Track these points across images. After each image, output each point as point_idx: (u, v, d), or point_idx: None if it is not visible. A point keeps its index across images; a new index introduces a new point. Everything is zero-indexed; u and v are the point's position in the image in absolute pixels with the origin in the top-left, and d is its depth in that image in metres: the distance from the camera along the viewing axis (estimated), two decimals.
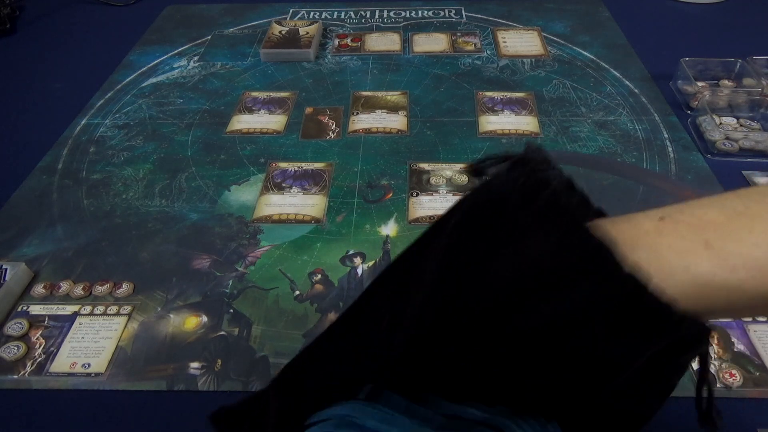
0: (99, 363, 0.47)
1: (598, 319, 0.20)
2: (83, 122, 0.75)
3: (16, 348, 0.47)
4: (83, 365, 0.46)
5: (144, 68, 0.86)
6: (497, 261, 0.21)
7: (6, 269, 0.52)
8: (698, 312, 0.20)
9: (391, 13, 1.00)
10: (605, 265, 0.20)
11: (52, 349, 0.48)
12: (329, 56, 0.89)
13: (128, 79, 0.84)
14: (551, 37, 0.91)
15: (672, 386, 0.24)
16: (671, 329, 0.20)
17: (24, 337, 0.48)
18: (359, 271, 0.54)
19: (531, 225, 0.21)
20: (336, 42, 0.92)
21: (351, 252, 0.56)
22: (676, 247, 0.21)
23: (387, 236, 0.57)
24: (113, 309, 0.51)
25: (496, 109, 0.75)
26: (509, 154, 0.24)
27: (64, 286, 0.53)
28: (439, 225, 0.26)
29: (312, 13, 1.01)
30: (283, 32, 0.92)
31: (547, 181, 0.22)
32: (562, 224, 0.21)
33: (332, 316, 0.50)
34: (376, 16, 1.00)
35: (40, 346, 0.48)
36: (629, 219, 0.23)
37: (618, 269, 0.19)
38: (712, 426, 0.24)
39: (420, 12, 1.01)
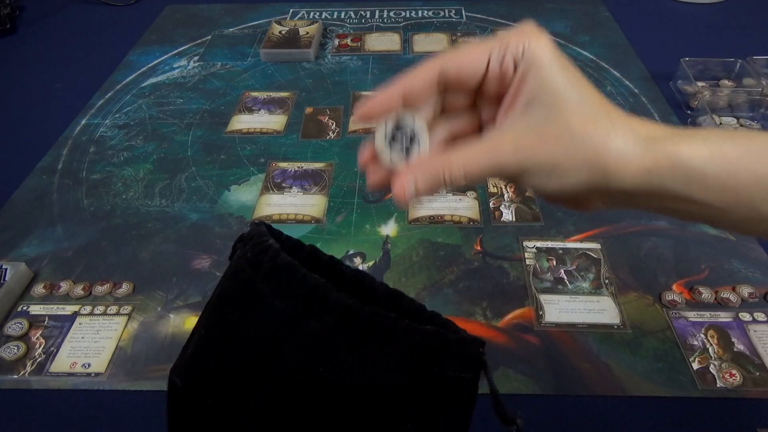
0: (99, 363, 0.47)
1: (339, 348, 0.25)
2: (83, 122, 0.75)
3: (16, 348, 0.47)
4: (83, 365, 0.46)
5: (144, 68, 0.86)
6: (244, 319, 0.27)
7: (6, 269, 0.52)
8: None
9: (391, 13, 1.00)
10: (323, 299, 0.25)
11: (52, 349, 0.48)
12: (329, 56, 0.88)
13: (128, 79, 0.84)
14: (551, 37, 0.91)
15: (463, 406, 0.28)
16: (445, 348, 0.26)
17: (24, 337, 0.48)
18: None
19: (262, 283, 0.26)
20: (336, 42, 0.92)
21: (351, 252, 0.56)
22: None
23: (387, 236, 0.57)
24: (113, 309, 0.51)
25: None
26: (241, 235, 0.31)
27: (64, 286, 0.53)
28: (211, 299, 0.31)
29: (312, 13, 1.01)
30: (283, 32, 0.92)
31: (266, 248, 0.27)
32: (283, 275, 0.26)
33: None
34: (376, 16, 1.00)
35: (40, 346, 0.48)
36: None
37: (333, 302, 0.25)
38: (514, 425, 0.28)
39: (420, 12, 1.01)
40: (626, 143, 0.25)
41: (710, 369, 0.44)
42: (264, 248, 0.27)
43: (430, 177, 0.27)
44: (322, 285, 0.25)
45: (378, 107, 0.28)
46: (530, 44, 0.28)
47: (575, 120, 0.26)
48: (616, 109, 0.27)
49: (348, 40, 0.92)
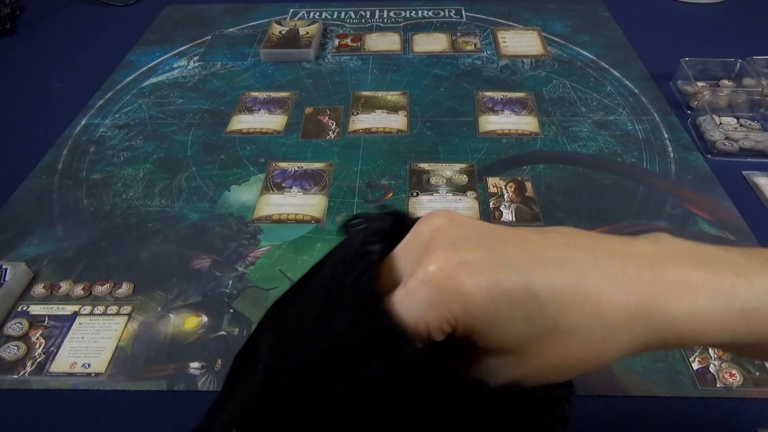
0: (99, 363, 0.47)
1: (397, 396, 0.20)
2: (83, 122, 0.75)
3: (16, 348, 0.47)
4: (83, 365, 0.46)
5: (144, 68, 0.86)
6: (310, 333, 0.21)
7: (6, 269, 0.52)
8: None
9: (391, 13, 1.00)
10: (392, 346, 0.19)
11: (52, 349, 0.48)
12: (329, 56, 0.89)
13: (128, 79, 0.84)
14: (551, 37, 0.91)
15: None
16: (482, 401, 0.20)
17: (24, 337, 0.48)
18: None
19: (338, 300, 0.21)
20: (336, 42, 0.92)
21: None
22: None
23: None
24: (113, 309, 0.51)
25: (496, 109, 0.75)
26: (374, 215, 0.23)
27: (64, 286, 0.53)
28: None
29: (312, 13, 1.01)
30: (283, 32, 0.92)
31: (363, 254, 0.21)
32: (356, 301, 0.20)
33: None
34: (376, 16, 1.00)
35: (40, 346, 0.48)
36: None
37: (404, 349, 0.19)
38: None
39: (420, 12, 1.01)
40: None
41: (710, 369, 0.44)
42: (359, 254, 0.21)
43: None
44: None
45: None
46: None
47: (548, 353, 0.21)
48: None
49: (348, 40, 0.92)
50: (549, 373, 0.22)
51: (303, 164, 0.66)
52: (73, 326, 0.49)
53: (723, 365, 0.44)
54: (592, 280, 0.21)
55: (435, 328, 0.20)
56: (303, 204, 0.61)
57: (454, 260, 0.20)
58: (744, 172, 0.63)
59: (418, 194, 0.62)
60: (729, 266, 0.22)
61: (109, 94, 0.81)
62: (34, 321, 0.50)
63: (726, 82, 0.77)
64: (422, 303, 0.20)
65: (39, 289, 0.52)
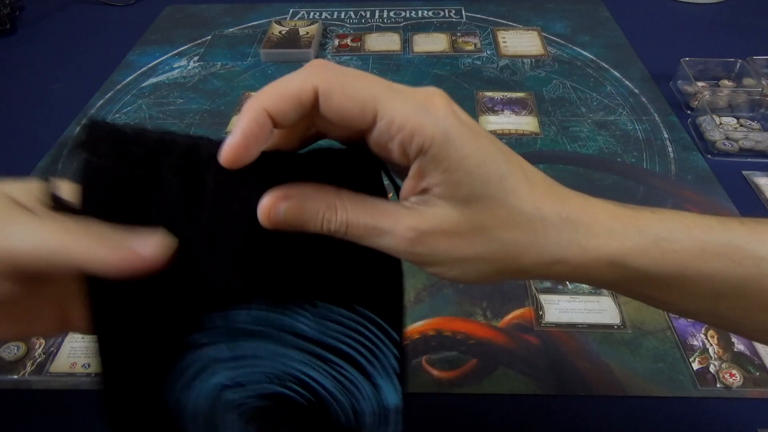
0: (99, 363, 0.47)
1: None
2: (83, 122, 0.75)
3: (16, 348, 0.47)
4: (83, 365, 0.46)
5: (144, 68, 0.86)
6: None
7: None
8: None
9: (391, 13, 1.00)
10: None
11: (52, 349, 0.48)
12: (329, 56, 0.88)
13: (128, 80, 0.84)
14: (551, 37, 0.91)
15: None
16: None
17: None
18: None
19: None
20: (336, 42, 0.92)
21: None
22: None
23: None
24: None
25: (496, 109, 0.75)
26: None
27: None
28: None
29: (312, 13, 1.01)
30: (283, 32, 0.92)
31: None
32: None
33: None
34: (376, 16, 1.00)
35: (40, 346, 0.48)
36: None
37: None
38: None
39: (420, 12, 1.01)
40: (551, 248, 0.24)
41: (710, 369, 0.44)
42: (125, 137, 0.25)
43: (306, 213, 0.23)
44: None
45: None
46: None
47: (500, 218, 0.23)
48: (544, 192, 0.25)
49: (348, 40, 0.92)
50: (461, 234, 0.23)
51: None
52: None
53: (723, 365, 0.45)
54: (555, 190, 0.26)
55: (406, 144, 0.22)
56: None
57: (451, 111, 0.23)
58: (744, 172, 0.63)
59: None
60: (647, 209, 0.27)
61: (109, 95, 0.81)
62: None
63: (726, 82, 0.77)
64: (417, 113, 0.22)
65: None
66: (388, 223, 0.23)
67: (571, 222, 0.24)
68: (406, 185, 0.24)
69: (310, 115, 0.22)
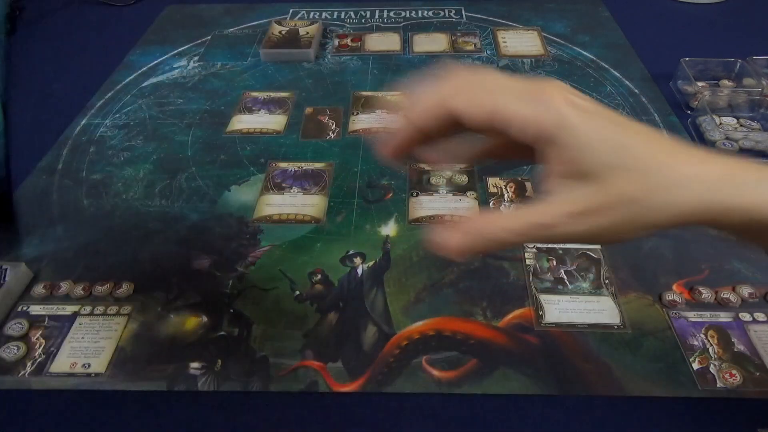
0: (99, 363, 0.47)
1: None
2: (83, 122, 0.75)
3: (16, 348, 0.47)
4: (83, 365, 0.46)
5: (144, 68, 0.86)
6: None
7: (6, 269, 0.52)
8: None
9: (391, 13, 1.00)
10: None
11: (52, 349, 0.48)
12: (329, 56, 0.89)
13: (128, 80, 0.84)
14: (551, 37, 0.91)
15: None
16: None
17: (24, 338, 0.48)
18: (359, 271, 0.54)
19: None
20: (336, 42, 0.92)
21: (351, 252, 0.56)
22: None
23: (387, 236, 0.57)
24: (113, 309, 0.51)
25: None
26: None
27: (64, 286, 0.53)
28: None
29: (312, 13, 1.01)
30: (283, 32, 0.92)
31: None
32: None
33: (332, 316, 0.50)
34: (376, 16, 1.00)
35: (40, 346, 0.48)
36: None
37: None
38: None
39: (420, 12, 1.01)
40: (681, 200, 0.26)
41: (710, 369, 0.44)
42: None
43: (470, 239, 0.27)
44: None
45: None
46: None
47: (634, 185, 0.26)
48: (669, 152, 0.26)
49: (348, 40, 0.92)
50: (620, 209, 0.25)
51: (303, 164, 0.66)
52: (73, 326, 0.49)
53: (723, 365, 0.45)
54: (666, 148, 0.26)
55: (525, 122, 0.25)
56: (303, 204, 0.61)
57: (566, 97, 0.25)
58: None
59: (418, 194, 0.62)
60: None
61: (109, 95, 0.81)
62: (34, 321, 0.50)
63: (726, 82, 0.77)
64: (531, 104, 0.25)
65: (39, 289, 0.52)
66: (554, 216, 0.26)
67: (700, 176, 0.26)
68: (545, 174, 0.27)
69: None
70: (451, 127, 0.28)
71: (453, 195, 0.61)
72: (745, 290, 0.50)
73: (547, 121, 0.25)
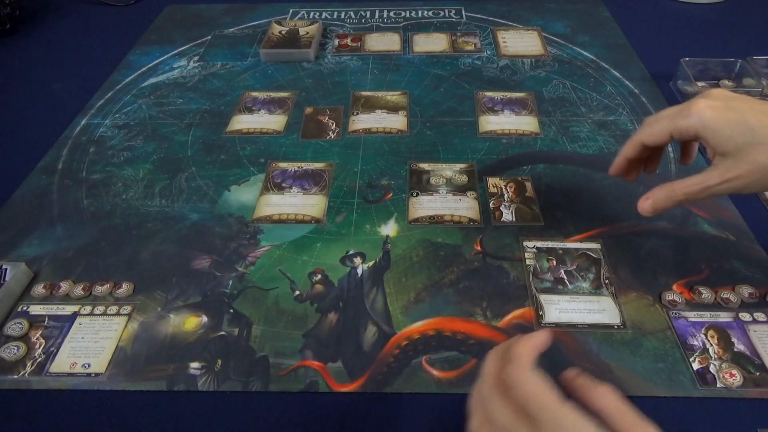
0: (99, 363, 0.47)
1: None
2: (83, 122, 0.75)
3: (16, 348, 0.47)
4: (83, 365, 0.46)
5: (144, 68, 0.86)
6: None
7: (6, 269, 0.52)
8: None
9: (391, 13, 1.00)
10: None
11: (52, 349, 0.48)
12: (329, 56, 0.89)
13: (128, 79, 0.84)
14: (551, 37, 0.91)
15: None
16: None
17: (24, 338, 0.48)
18: (359, 271, 0.54)
19: None
20: (336, 42, 0.92)
21: (351, 252, 0.56)
22: None
23: (387, 236, 0.57)
24: (113, 309, 0.51)
25: (496, 109, 0.75)
26: None
27: (64, 286, 0.53)
28: None
29: (312, 13, 1.01)
30: (283, 32, 0.92)
31: None
32: None
33: (332, 316, 0.50)
34: (376, 16, 1.00)
35: (40, 346, 0.48)
36: None
37: None
38: None
39: (420, 12, 1.01)
40: None
41: (710, 369, 0.44)
42: None
43: (662, 197, 0.44)
44: None
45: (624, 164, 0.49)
46: (702, 123, 0.41)
47: (757, 154, 0.39)
48: None
49: (348, 40, 0.92)
50: (755, 173, 0.39)
51: (303, 164, 0.66)
52: (73, 326, 0.49)
53: (723, 365, 0.44)
54: None
55: (681, 130, 0.43)
56: (303, 204, 0.61)
57: (707, 103, 0.42)
58: None
59: (418, 194, 0.62)
60: None
61: (109, 94, 0.81)
62: (34, 321, 0.50)
63: (726, 82, 0.77)
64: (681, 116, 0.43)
65: (39, 289, 0.52)
66: (711, 181, 0.41)
67: None
68: (710, 153, 0.44)
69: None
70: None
71: (453, 195, 0.61)
72: (745, 290, 0.50)
73: (694, 127, 0.42)
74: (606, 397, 0.29)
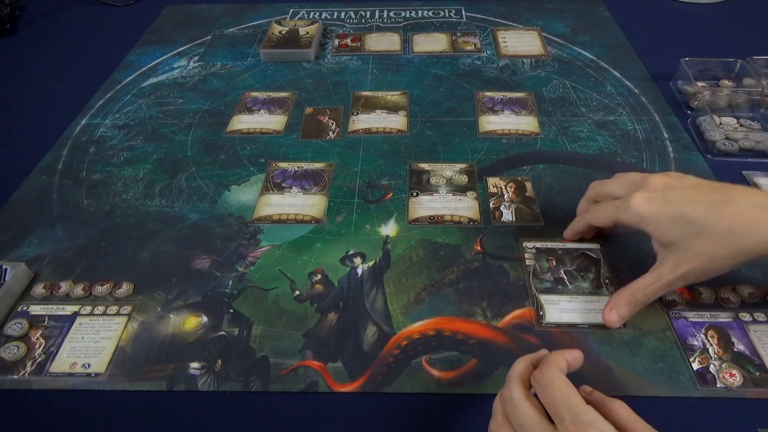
0: (99, 363, 0.47)
1: None
2: (83, 122, 0.75)
3: (16, 348, 0.47)
4: (83, 365, 0.46)
5: (144, 68, 0.86)
6: None
7: (6, 269, 0.52)
8: None
9: (391, 13, 1.00)
10: None
11: (52, 349, 0.48)
12: (329, 56, 0.89)
13: (128, 79, 0.84)
14: (551, 37, 0.91)
15: None
16: None
17: (24, 338, 0.48)
18: (359, 271, 0.54)
19: None
20: (336, 42, 0.92)
21: (351, 252, 0.56)
22: None
23: (387, 236, 0.57)
24: (113, 309, 0.51)
25: (496, 109, 0.75)
26: None
27: (64, 286, 0.53)
28: None
29: (312, 13, 1.01)
30: (283, 32, 0.92)
31: None
32: None
33: (332, 316, 0.50)
34: (376, 16, 1.00)
35: (40, 346, 0.48)
36: None
37: None
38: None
39: (420, 12, 1.01)
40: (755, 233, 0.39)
41: (710, 369, 0.44)
42: None
43: (623, 306, 0.46)
44: None
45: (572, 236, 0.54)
46: (641, 220, 0.44)
47: (700, 244, 0.40)
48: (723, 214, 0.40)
49: (348, 40, 0.92)
50: (704, 262, 0.40)
51: (303, 164, 0.66)
52: (73, 326, 0.49)
53: (723, 365, 0.44)
54: (723, 210, 0.40)
55: (623, 222, 0.45)
56: (303, 204, 0.61)
57: (645, 196, 0.43)
58: (744, 172, 0.63)
59: (418, 194, 0.62)
60: None
61: (109, 94, 0.81)
62: (34, 321, 0.50)
63: (726, 82, 0.77)
64: (624, 209, 0.44)
65: (39, 289, 0.52)
66: (665, 277, 0.43)
67: (750, 228, 0.39)
68: (654, 242, 0.46)
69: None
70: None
71: (453, 195, 0.61)
72: (745, 290, 0.50)
73: (633, 220, 0.44)
74: (619, 411, 0.33)
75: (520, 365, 0.36)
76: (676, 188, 0.42)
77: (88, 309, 0.51)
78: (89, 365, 0.46)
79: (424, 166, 0.66)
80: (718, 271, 0.41)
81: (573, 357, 0.36)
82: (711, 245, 0.39)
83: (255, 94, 0.80)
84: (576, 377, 0.44)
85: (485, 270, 0.53)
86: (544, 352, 0.38)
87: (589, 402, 0.33)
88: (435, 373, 0.45)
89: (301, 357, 0.47)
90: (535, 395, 0.34)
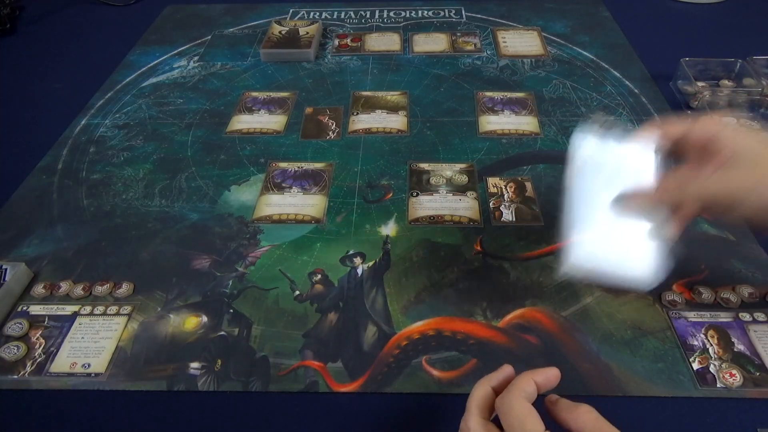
0: (99, 363, 0.47)
1: None
2: (83, 122, 0.75)
3: (16, 348, 0.47)
4: (83, 365, 0.46)
5: (144, 68, 0.86)
6: None
7: (6, 269, 0.52)
8: None
9: (391, 13, 1.00)
10: None
11: (52, 349, 0.48)
12: (329, 56, 0.88)
13: (128, 79, 0.84)
14: (551, 37, 0.91)
15: None
16: None
17: (24, 338, 0.48)
18: (359, 271, 0.54)
19: None
20: (336, 42, 0.92)
21: (351, 252, 0.56)
22: None
23: (387, 236, 0.57)
24: (113, 309, 0.51)
25: (496, 109, 0.75)
26: None
27: (64, 286, 0.53)
28: None
29: (312, 13, 1.01)
30: (283, 32, 0.92)
31: None
32: None
33: (332, 316, 0.50)
34: (376, 16, 1.00)
35: (40, 346, 0.48)
36: None
37: None
38: None
39: (420, 12, 1.01)
40: None
41: (710, 369, 0.44)
42: None
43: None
44: None
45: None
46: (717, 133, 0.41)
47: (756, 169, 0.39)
48: None
49: (348, 40, 0.92)
50: (750, 182, 0.38)
51: (303, 164, 0.66)
52: (73, 326, 0.49)
53: (723, 365, 0.44)
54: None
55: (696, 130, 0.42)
56: (303, 204, 0.61)
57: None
58: None
59: (418, 194, 0.62)
60: None
61: (109, 94, 0.81)
62: (34, 321, 0.50)
63: (726, 82, 0.77)
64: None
65: (39, 289, 0.52)
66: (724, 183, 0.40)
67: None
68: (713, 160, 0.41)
69: None
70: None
71: (453, 195, 0.61)
72: (745, 290, 0.50)
73: (714, 129, 0.40)
74: (585, 416, 0.32)
75: (479, 392, 0.35)
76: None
77: (88, 309, 0.51)
78: (89, 365, 0.46)
79: (424, 166, 0.66)
80: (740, 208, 0.38)
81: (546, 377, 0.34)
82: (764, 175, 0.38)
83: (255, 94, 0.80)
84: (576, 377, 0.45)
85: (485, 270, 0.53)
86: (507, 369, 0.36)
87: (555, 411, 0.32)
88: (435, 373, 0.45)
89: (301, 357, 0.47)
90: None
